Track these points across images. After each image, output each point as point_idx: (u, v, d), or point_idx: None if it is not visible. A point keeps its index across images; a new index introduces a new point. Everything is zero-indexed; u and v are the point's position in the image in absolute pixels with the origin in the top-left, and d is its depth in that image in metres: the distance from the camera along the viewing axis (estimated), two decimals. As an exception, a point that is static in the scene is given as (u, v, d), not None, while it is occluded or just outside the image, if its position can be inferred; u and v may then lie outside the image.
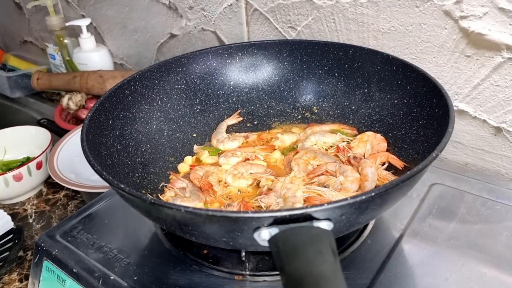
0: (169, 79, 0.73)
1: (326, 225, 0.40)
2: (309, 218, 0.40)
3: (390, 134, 0.66)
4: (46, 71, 1.33)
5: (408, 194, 0.65)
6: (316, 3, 0.81)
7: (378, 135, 0.66)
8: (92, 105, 1.10)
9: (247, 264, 0.55)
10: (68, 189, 0.99)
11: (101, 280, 0.55)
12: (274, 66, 0.78)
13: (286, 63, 0.77)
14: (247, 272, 0.55)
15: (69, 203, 0.95)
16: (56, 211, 0.93)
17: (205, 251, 0.58)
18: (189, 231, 0.44)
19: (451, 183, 0.67)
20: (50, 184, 1.01)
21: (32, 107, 1.39)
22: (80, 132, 0.95)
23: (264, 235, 0.41)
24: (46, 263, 0.61)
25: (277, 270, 0.35)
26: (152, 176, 0.64)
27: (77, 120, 1.10)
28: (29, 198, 0.97)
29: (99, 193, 0.75)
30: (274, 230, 0.40)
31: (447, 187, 0.67)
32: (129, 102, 0.67)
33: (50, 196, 0.98)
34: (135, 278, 0.55)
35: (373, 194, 0.40)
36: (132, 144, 0.65)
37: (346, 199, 0.39)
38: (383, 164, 0.61)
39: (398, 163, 0.60)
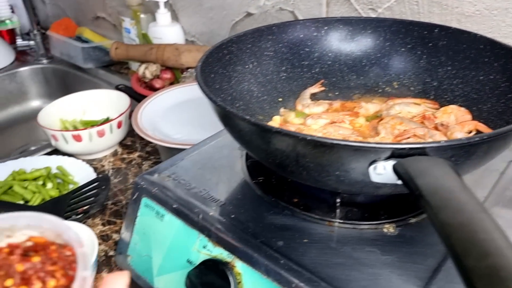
0: (260, 45, 0.77)
1: (437, 164, 0.44)
2: (424, 154, 0.43)
3: (474, 108, 0.68)
4: (119, 44, 1.41)
5: (489, 167, 0.68)
6: (401, -15, 0.84)
7: (462, 108, 0.68)
8: (166, 76, 1.16)
9: (337, 212, 0.59)
10: (142, 150, 1.05)
11: (200, 215, 0.60)
12: (357, 42, 0.81)
13: (369, 40, 0.81)
14: (337, 220, 0.58)
15: (143, 163, 1.01)
16: (132, 169, 1.00)
17: (296, 200, 0.62)
18: (305, 163, 0.48)
19: (531, 160, 0.69)
20: (125, 145, 1.08)
21: (101, 78, 1.47)
22: (160, 97, 1.02)
23: (379, 169, 0.44)
24: (145, 200, 0.66)
25: (408, 186, 0.38)
26: (246, 129, 0.69)
27: (150, 89, 1.17)
28: (105, 156, 1.04)
29: (180, 151, 0.80)
30: (391, 163, 0.44)
31: (527, 163, 0.69)
32: (226, 61, 0.72)
33: (125, 156, 1.04)
34: (232, 216, 0.59)
35: (485, 137, 0.43)
36: (228, 99, 0.69)
37: (461, 139, 0.43)
38: (470, 132, 0.64)
39: (487, 131, 0.63)
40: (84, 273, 0.30)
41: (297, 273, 0.51)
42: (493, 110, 0.65)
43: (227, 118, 0.53)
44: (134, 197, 0.68)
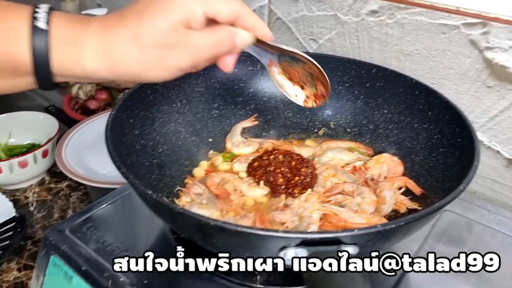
0: (190, 81, 0.72)
1: (352, 249, 0.40)
2: (337, 242, 0.40)
3: (407, 158, 0.66)
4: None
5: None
6: (341, 18, 0.81)
7: (395, 158, 0.66)
8: (102, 96, 1.09)
9: (258, 277, 0.55)
10: (71, 179, 0.98)
11: (110, 281, 0.54)
12: (294, 78, 0.77)
13: (307, 76, 0.77)
14: (258, 285, 0.55)
15: (72, 194, 0.94)
16: (58, 201, 0.93)
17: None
18: (213, 242, 0.43)
19: (462, 212, 0.68)
20: (53, 173, 1.00)
21: (37, 92, 1.37)
22: (90, 124, 0.95)
23: (289, 255, 0.41)
24: (53, 258, 0.60)
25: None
26: (168, 178, 0.63)
27: (85, 110, 1.09)
28: (31, 185, 0.96)
29: (108, 189, 0.74)
30: (302, 251, 0.40)
31: (458, 215, 0.67)
32: (150, 102, 0.66)
33: (52, 185, 0.97)
34: (145, 281, 0.54)
35: (402, 223, 0.40)
36: (150, 145, 0.64)
37: (376, 226, 0.39)
38: (400, 188, 0.62)
39: (416, 189, 0.60)
40: None
41: None
42: (424, 163, 0.63)
43: (133, 187, 0.48)
44: (43, 253, 0.62)
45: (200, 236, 0.44)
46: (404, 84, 0.69)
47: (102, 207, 0.67)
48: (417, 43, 0.75)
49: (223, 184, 0.62)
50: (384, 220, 0.56)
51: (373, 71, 0.73)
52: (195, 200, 0.59)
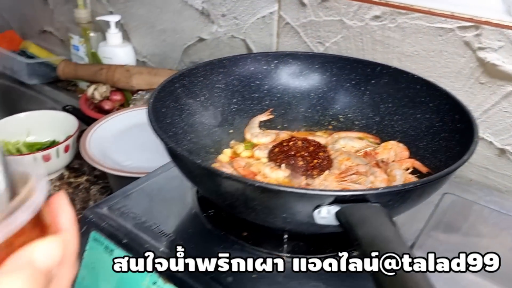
0: (211, 78, 0.79)
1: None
2: (363, 200, 0.46)
3: (412, 144, 0.73)
4: (68, 62, 1.37)
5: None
6: (346, 23, 0.89)
7: (401, 144, 0.73)
8: (116, 97, 1.15)
9: (284, 247, 0.61)
10: (90, 174, 1.03)
11: (152, 252, 0.60)
12: (305, 76, 0.85)
13: (317, 74, 0.84)
14: (285, 254, 0.61)
15: (91, 187, 1.00)
16: (79, 194, 0.98)
17: (245, 234, 0.64)
18: (254, 205, 0.50)
19: (461, 193, 0.75)
20: (72, 168, 1.05)
21: (47, 95, 1.42)
22: (110, 121, 1.01)
23: (323, 213, 0.47)
24: (94, 234, 0.65)
25: (349, 235, 0.41)
26: (196, 163, 0.70)
27: (100, 110, 1.15)
28: (51, 179, 1.01)
29: (131, 179, 0.80)
30: (334, 208, 0.46)
31: (458, 197, 0.74)
32: (178, 94, 0.73)
33: (72, 180, 1.02)
34: (183, 251, 0.60)
35: (418, 184, 0.47)
36: (179, 133, 0.70)
37: (396, 186, 0.46)
38: (407, 169, 0.69)
39: (423, 168, 0.67)
40: None
41: (245, 310, 0.52)
42: (428, 148, 0.70)
43: (178, 160, 0.54)
44: (82, 230, 0.67)
45: (242, 200, 0.50)
46: (407, 80, 0.76)
47: (132, 191, 0.72)
48: (417, 45, 0.83)
49: (248, 166, 0.68)
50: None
51: (378, 69, 0.80)
52: (225, 180, 0.65)
